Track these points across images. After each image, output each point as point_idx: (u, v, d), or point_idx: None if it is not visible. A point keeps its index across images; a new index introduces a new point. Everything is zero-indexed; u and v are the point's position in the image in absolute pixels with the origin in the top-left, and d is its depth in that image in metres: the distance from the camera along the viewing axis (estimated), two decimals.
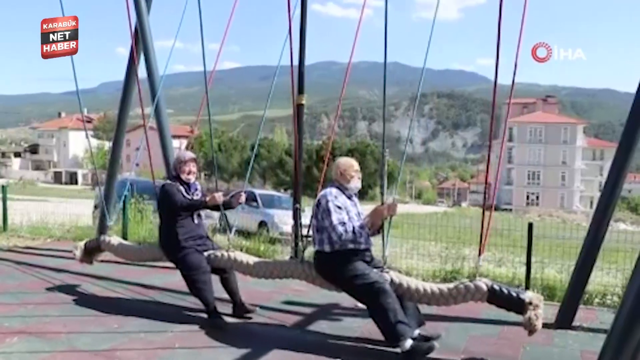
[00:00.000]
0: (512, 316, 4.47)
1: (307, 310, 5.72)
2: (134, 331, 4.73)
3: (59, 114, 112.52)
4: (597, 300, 6.39)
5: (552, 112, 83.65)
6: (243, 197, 5.58)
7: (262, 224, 14.98)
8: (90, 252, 6.34)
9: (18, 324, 4.77)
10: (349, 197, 4.59)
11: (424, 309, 4.59)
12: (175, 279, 6.74)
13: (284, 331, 5.00)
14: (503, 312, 4.45)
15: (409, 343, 4.08)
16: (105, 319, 5.10)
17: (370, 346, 4.52)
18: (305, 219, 9.69)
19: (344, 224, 4.34)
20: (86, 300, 5.81)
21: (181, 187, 5.26)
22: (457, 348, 4.45)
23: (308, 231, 4.83)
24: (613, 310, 5.65)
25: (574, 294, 5.34)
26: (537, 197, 75.76)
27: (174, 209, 5.19)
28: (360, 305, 5.80)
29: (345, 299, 5.85)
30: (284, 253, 9.16)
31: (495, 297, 4.13)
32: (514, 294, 4.10)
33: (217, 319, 4.99)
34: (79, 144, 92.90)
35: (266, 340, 4.63)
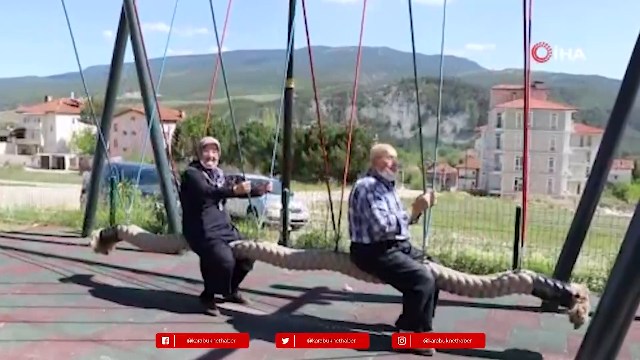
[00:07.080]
0: (500, 300, 4.50)
1: (297, 294, 5.74)
2: (122, 316, 4.72)
3: (46, 98, 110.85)
4: (583, 284, 6.44)
5: (541, 98, 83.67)
6: (270, 185, 5.36)
7: (250, 209, 14.95)
8: (107, 242, 5.98)
9: (5, 310, 4.73)
10: (387, 186, 4.44)
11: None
12: (164, 263, 6.75)
13: (273, 315, 5.01)
14: None
15: None
16: (93, 303, 5.08)
17: (358, 329, 4.54)
18: (294, 203, 9.75)
19: (385, 215, 4.20)
20: (74, 285, 5.78)
21: (204, 174, 5.05)
22: (446, 331, 4.47)
23: (337, 219, 4.59)
24: (598, 294, 5.69)
25: (561, 278, 5.35)
26: None
27: (198, 196, 4.99)
28: (349, 288, 5.86)
29: (333, 283, 5.89)
30: (272, 237, 9.14)
31: (541, 289, 4.08)
32: (560, 286, 4.05)
33: (209, 305, 4.98)
34: (66, 128, 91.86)
35: (254, 323, 4.64)
